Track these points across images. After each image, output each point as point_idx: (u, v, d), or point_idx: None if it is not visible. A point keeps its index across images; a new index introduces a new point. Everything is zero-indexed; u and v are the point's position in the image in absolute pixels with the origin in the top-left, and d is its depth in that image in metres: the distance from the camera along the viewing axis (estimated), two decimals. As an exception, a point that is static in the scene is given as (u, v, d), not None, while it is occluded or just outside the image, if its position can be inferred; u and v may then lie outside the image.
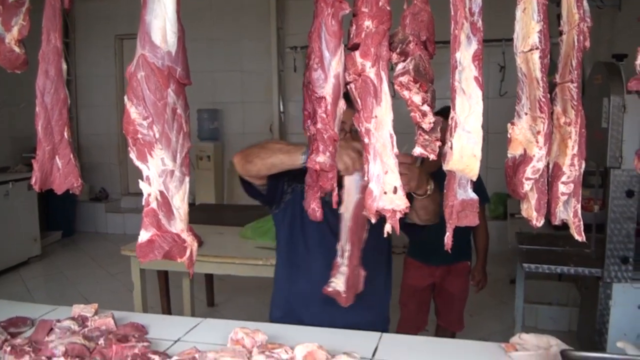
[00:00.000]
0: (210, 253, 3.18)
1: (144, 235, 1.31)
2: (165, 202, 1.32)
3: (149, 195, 1.31)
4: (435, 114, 1.21)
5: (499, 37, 5.16)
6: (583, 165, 1.24)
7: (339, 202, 1.85)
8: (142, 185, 1.30)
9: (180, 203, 1.34)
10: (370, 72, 1.20)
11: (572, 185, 1.23)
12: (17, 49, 1.46)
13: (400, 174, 1.55)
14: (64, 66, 1.47)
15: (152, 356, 1.46)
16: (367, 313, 1.89)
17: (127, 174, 7.73)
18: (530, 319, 4.00)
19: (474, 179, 1.21)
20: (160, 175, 1.31)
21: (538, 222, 1.24)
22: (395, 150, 1.21)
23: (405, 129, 1.49)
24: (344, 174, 1.57)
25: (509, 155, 1.25)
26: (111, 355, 1.48)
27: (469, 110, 1.16)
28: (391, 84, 1.21)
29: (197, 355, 1.44)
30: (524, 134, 1.21)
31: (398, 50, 1.19)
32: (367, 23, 1.19)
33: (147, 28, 1.26)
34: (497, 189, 5.72)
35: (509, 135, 1.24)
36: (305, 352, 1.43)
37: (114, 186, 7.83)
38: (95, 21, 7.52)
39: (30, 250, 6.07)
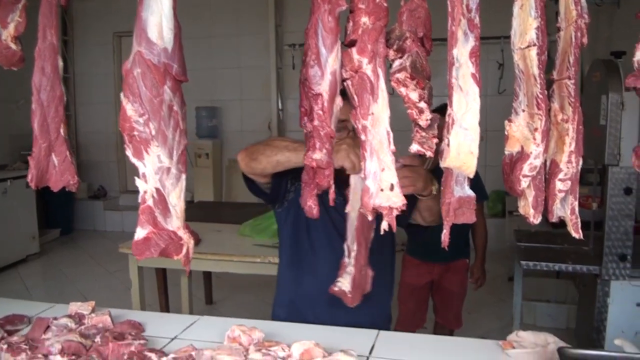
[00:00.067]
0: (208, 250, 3.18)
1: (140, 233, 1.31)
2: (161, 199, 1.31)
3: (145, 192, 1.31)
4: (433, 111, 1.20)
5: (497, 34, 5.15)
6: (580, 163, 1.23)
7: (336, 200, 1.85)
8: (138, 182, 1.30)
9: (176, 200, 1.33)
10: (367, 69, 1.19)
11: (569, 182, 1.23)
12: (13, 46, 1.46)
13: (407, 175, 1.56)
14: (60, 63, 1.47)
15: (149, 354, 1.46)
16: (371, 312, 1.87)
17: (126, 171, 7.73)
18: (528, 316, 4.00)
19: (471, 176, 1.21)
20: (157, 172, 1.30)
21: (535, 219, 1.24)
22: (392, 147, 1.21)
23: (402, 127, 1.49)
24: (351, 173, 1.56)
25: (506, 153, 1.25)
26: (107, 353, 1.47)
27: (466, 107, 1.16)
28: (388, 81, 1.21)
29: (193, 353, 1.44)
30: (521, 131, 1.21)
31: (395, 46, 1.19)
32: (364, 19, 1.19)
33: (143, 25, 1.26)
34: (495, 187, 5.72)
35: (506, 133, 1.24)
36: (302, 350, 1.43)
37: (113, 184, 7.83)
38: (94, 19, 7.52)
39: (28, 248, 6.06)
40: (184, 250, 1.35)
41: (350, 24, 1.22)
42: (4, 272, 5.61)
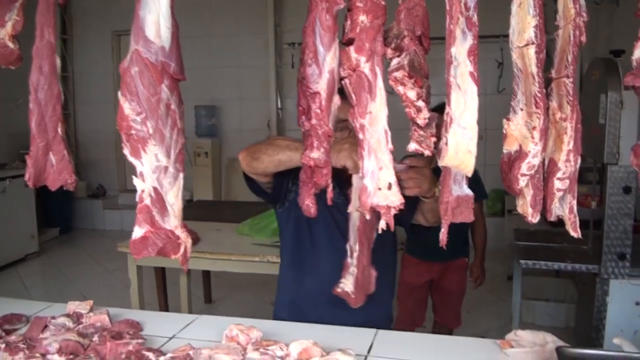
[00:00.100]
0: (207, 250, 3.17)
1: (137, 232, 1.31)
2: (159, 198, 1.31)
3: (143, 191, 1.30)
4: (433, 110, 1.20)
5: (497, 33, 5.14)
6: (579, 161, 1.23)
7: (338, 200, 1.84)
8: (136, 181, 1.29)
9: (174, 199, 1.33)
10: (365, 68, 1.19)
11: (567, 181, 1.22)
12: (11, 45, 1.45)
13: (413, 177, 1.55)
14: (58, 62, 1.46)
15: (146, 353, 1.45)
16: (373, 312, 1.86)
17: (125, 170, 7.73)
18: (527, 315, 4.00)
19: (469, 175, 1.21)
20: (154, 171, 1.30)
21: (533, 218, 1.24)
22: (390, 146, 1.20)
23: (400, 126, 1.48)
24: (353, 173, 1.55)
25: (504, 151, 1.25)
26: (105, 352, 1.47)
27: (464, 106, 1.16)
28: (386, 80, 1.20)
29: (191, 352, 1.43)
30: (520, 129, 1.20)
31: (393, 45, 1.19)
32: (362, 18, 1.18)
33: (140, 23, 1.25)
34: (495, 186, 5.72)
35: (504, 131, 1.23)
36: (300, 349, 1.43)
37: (112, 183, 7.83)
38: (93, 17, 7.51)
39: (27, 247, 6.06)
40: (182, 250, 1.34)
41: (348, 22, 1.21)
42: (3, 272, 5.61)
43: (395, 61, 1.18)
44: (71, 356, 1.45)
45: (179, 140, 1.34)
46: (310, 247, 1.91)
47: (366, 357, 1.54)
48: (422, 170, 1.56)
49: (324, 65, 1.23)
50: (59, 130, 1.47)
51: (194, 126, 7.00)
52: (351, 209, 1.62)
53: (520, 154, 1.20)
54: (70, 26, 7.62)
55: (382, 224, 1.23)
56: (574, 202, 1.25)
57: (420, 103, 1.15)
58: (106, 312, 1.71)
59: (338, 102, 1.27)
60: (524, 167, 1.19)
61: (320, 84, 1.24)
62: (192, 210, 4.51)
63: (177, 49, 1.30)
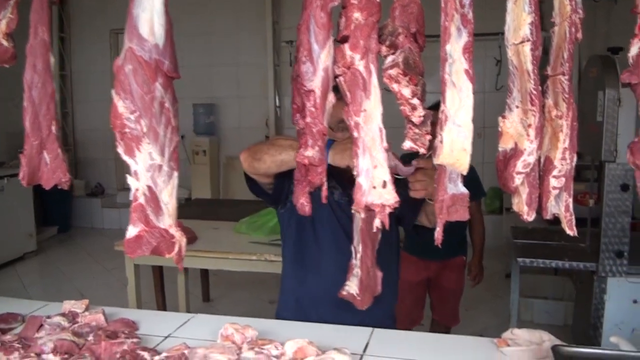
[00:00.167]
0: (205, 248, 3.17)
1: (132, 231, 1.30)
2: (153, 197, 1.30)
3: (137, 190, 1.30)
4: (429, 108, 1.19)
5: (495, 30, 5.11)
6: (575, 159, 1.22)
7: (341, 200, 1.83)
8: (130, 180, 1.29)
9: (168, 198, 1.32)
10: (360, 65, 1.18)
11: (563, 179, 1.22)
12: (5, 43, 1.44)
13: (420, 180, 1.54)
14: (52, 60, 1.45)
15: (141, 352, 1.45)
16: (376, 312, 1.82)
17: (123, 169, 7.61)
18: (525, 313, 4.00)
19: (464, 173, 1.20)
20: (148, 169, 1.29)
21: (529, 216, 1.23)
22: (385, 144, 1.19)
23: (396, 124, 1.47)
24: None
25: (499, 149, 1.24)
26: (100, 351, 1.47)
27: (459, 104, 1.15)
28: (381, 77, 1.19)
29: (186, 352, 1.43)
30: (515, 127, 1.20)
31: (387, 42, 1.18)
32: (357, 15, 1.17)
33: (134, 21, 1.25)
34: (493, 184, 5.70)
35: (499, 129, 1.23)
36: (296, 348, 1.42)
37: (110, 181, 7.82)
38: (90, 16, 7.50)
39: (25, 245, 6.06)
40: (176, 248, 1.34)
41: (343, 19, 1.20)
42: (1, 270, 5.60)
43: (389, 59, 1.17)
44: (66, 356, 1.45)
45: (173, 138, 1.33)
46: (314, 247, 1.89)
47: (362, 356, 1.53)
48: (429, 172, 1.52)
49: (318, 62, 1.22)
50: (53, 128, 1.46)
51: (192, 124, 6.99)
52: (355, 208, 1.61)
53: (516, 152, 1.19)
54: (68, 25, 7.60)
55: (377, 223, 1.22)
56: (570, 200, 1.25)
57: (415, 101, 1.14)
58: (101, 312, 1.70)
59: (333, 100, 1.26)
60: (519, 165, 1.18)
61: (315, 82, 1.23)
62: (190, 209, 4.50)
63: (171, 47, 1.29)
